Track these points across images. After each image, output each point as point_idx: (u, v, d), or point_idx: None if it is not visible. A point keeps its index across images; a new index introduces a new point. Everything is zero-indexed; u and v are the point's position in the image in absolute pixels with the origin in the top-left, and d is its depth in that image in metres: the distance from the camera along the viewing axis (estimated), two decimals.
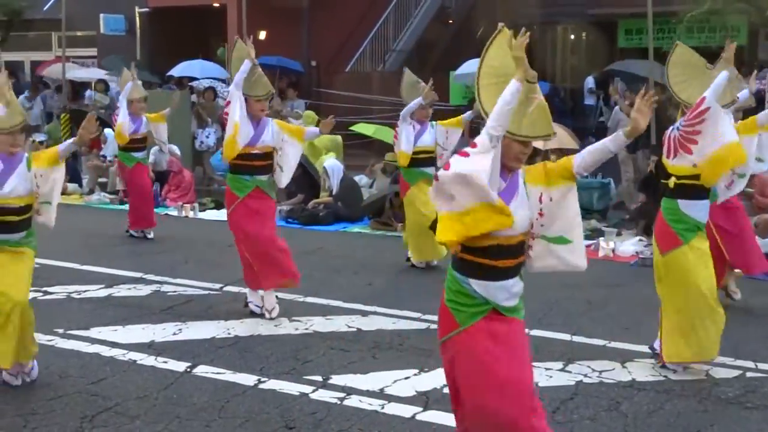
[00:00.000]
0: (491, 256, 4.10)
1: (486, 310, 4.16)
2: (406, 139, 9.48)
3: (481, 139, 3.94)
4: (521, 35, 3.98)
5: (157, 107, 12.00)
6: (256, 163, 7.63)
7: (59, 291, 8.63)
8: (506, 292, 4.19)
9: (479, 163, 3.90)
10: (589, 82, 20.46)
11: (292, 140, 7.79)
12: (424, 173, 9.56)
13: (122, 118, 11.23)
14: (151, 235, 11.59)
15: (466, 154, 3.95)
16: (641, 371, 6.39)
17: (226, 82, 19.11)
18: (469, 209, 3.95)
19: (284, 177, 7.87)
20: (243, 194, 7.63)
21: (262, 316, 7.68)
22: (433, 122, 9.82)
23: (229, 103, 7.66)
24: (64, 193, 15.21)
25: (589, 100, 20.61)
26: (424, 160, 9.59)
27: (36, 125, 19.43)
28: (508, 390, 4.07)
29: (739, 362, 6.58)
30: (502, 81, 4.02)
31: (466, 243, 4.08)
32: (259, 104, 7.62)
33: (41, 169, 5.79)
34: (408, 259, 10.05)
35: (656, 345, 6.46)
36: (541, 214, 4.21)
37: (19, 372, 5.92)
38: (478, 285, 4.14)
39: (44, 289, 8.67)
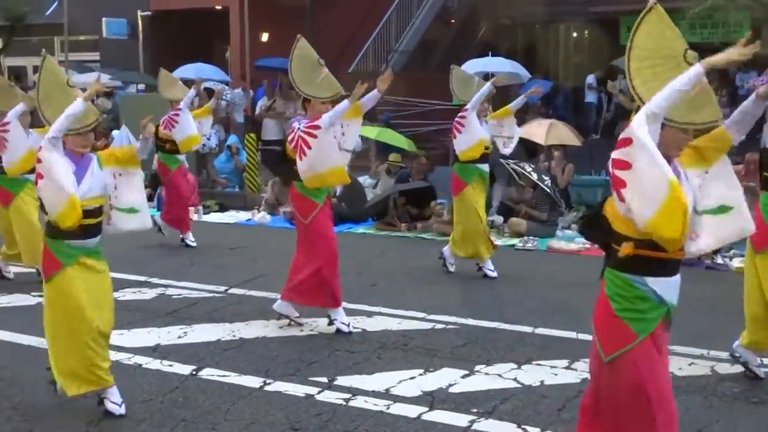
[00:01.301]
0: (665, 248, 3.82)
1: (662, 314, 3.92)
2: (477, 129, 9.08)
3: (637, 120, 3.67)
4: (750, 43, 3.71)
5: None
6: None
7: None
8: (677, 289, 3.97)
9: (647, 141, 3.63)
10: (590, 80, 20.45)
11: (351, 121, 7.49)
12: (480, 169, 9.32)
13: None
14: (192, 242, 11.41)
15: (628, 141, 3.66)
16: None
17: (229, 85, 19.18)
18: (664, 200, 3.60)
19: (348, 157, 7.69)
20: (321, 200, 7.32)
21: (347, 333, 7.32)
22: (485, 118, 9.43)
23: (314, 135, 7.04)
24: None
25: (590, 98, 20.62)
26: (482, 156, 9.27)
27: None
28: (666, 409, 3.99)
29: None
30: (660, 63, 3.82)
31: (641, 236, 3.78)
32: (323, 106, 7.20)
33: (119, 168, 5.51)
34: (478, 266, 9.48)
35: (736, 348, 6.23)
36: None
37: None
38: (656, 284, 3.88)
39: None
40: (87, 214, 5.31)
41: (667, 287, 3.90)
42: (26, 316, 7.83)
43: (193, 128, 11.05)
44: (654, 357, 3.91)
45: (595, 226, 4.01)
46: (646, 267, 3.85)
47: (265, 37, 20.75)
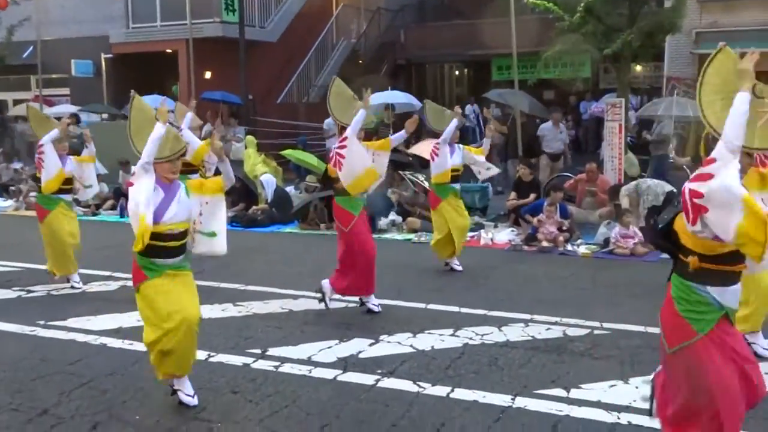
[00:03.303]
0: (730, 262, 3.54)
1: (719, 316, 3.61)
2: (447, 160, 8.74)
3: (720, 152, 3.34)
4: (750, 53, 3.43)
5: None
6: None
7: (41, 290, 8.33)
8: (736, 296, 3.66)
9: (730, 175, 3.28)
10: (467, 109, 20.70)
11: (382, 152, 7.35)
12: (453, 188, 8.96)
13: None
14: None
15: (709, 176, 3.33)
16: (514, 333, 6.48)
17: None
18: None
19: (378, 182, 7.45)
20: (358, 212, 7.10)
21: (374, 312, 7.17)
22: (460, 144, 9.10)
23: (344, 147, 6.89)
24: None
25: (468, 123, 20.87)
26: (454, 177, 8.91)
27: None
28: (728, 395, 3.58)
29: (589, 323, 6.72)
30: (730, 96, 3.48)
31: (706, 252, 3.53)
32: (360, 133, 7.09)
33: (207, 197, 5.00)
34: (447, 264, 9.11)
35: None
36: None
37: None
38: (716, 292, 3.59)
39: (28, 288, 8.36)
40: (171, 237, 4.84)
41: (727, 294, 3.61)
42: (6, 306, 7.55)
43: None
44: (712, 352, 3.59)
45: (665, 237, 3.70)
46: (708, 278, 3.58)
47: (208, 74, 20.36)
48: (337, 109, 7.30)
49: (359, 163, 6.98)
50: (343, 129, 7.18)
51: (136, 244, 4.76)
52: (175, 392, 5.02)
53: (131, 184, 4.83)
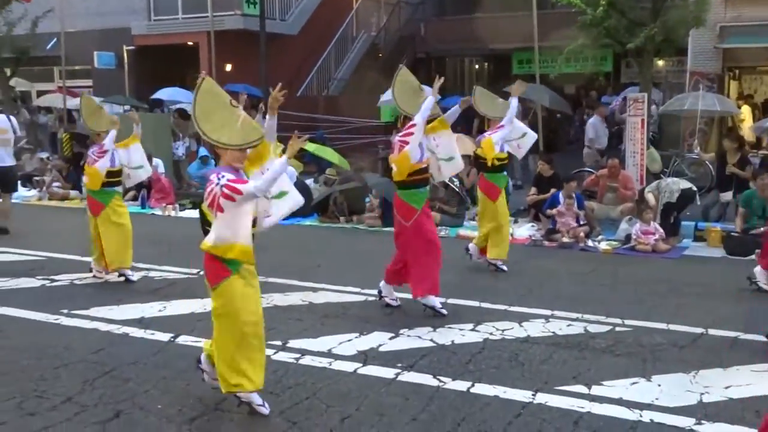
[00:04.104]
0: None
1: None
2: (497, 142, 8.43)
3: None
4: None
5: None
6: (426, 175, 6.95)
7: (64, 279, 8.39)
8: None
9: None
10: None
11: (442, 132, 7.08)
12: (506, 177, 8.85)
13: None
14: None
15: None
16: (534, 329, 6.45)
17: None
18: None
19: (452, 166, 7.19)
20: (420, 205, 6.85)
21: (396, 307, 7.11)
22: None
23: (411, 133, 6.72)
24: (66, 198, 14.83)
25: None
26: (501, 167, 8.60)
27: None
28: None
29: (610, 319, 6.68)
30: None
31: None
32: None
33: (261, 168, 4.81)
34: (467, 249, 8.98)
35: None
36: None
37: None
38: None
39: (51, 277, 8.42)
40: None
41: None
42: (30, 295, 7.62)
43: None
44: None
45: None
46: None
47: (228, 67, 20.43)
48: (401, 99, 7.09)
49: (417, 153, 6.81)
50: (406, 119, 7.00)
51: (227, 254, 4.60)
52: (241, 404, 4.79)
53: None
